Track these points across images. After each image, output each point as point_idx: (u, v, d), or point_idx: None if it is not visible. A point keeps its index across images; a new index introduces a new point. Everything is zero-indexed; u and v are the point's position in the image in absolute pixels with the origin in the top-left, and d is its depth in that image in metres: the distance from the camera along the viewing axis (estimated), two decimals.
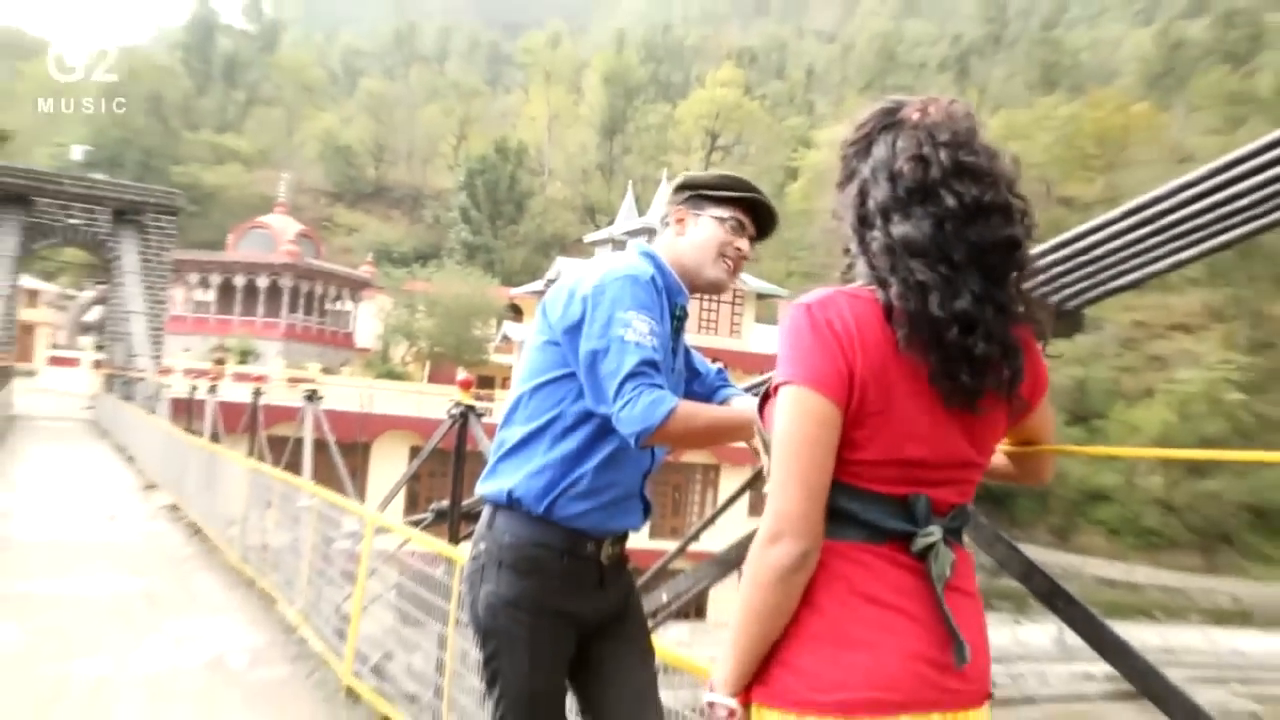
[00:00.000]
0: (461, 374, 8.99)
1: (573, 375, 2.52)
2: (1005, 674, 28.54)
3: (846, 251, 1.87)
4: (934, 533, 1.71)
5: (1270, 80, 65.92)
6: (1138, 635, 32.50)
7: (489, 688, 2.52)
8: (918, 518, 1.73)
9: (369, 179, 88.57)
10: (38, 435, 25.82)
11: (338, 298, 55.86)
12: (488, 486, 2.57)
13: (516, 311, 53.42)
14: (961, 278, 1.70)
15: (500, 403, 40.71)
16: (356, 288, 56.50)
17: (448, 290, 51.10)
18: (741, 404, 2.76)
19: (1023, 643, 30.52)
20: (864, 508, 1.73)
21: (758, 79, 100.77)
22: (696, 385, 2.85)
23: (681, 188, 2.73)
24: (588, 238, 51.39)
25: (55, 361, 48.35)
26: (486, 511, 2.59)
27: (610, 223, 52.34)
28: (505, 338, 50.32)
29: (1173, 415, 44.98)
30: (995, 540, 4.37)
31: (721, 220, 2.64)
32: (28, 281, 45.00)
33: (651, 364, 2.33)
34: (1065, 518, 47.85)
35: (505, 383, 49.84)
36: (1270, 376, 50.81)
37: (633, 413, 2.28)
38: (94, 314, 52.40)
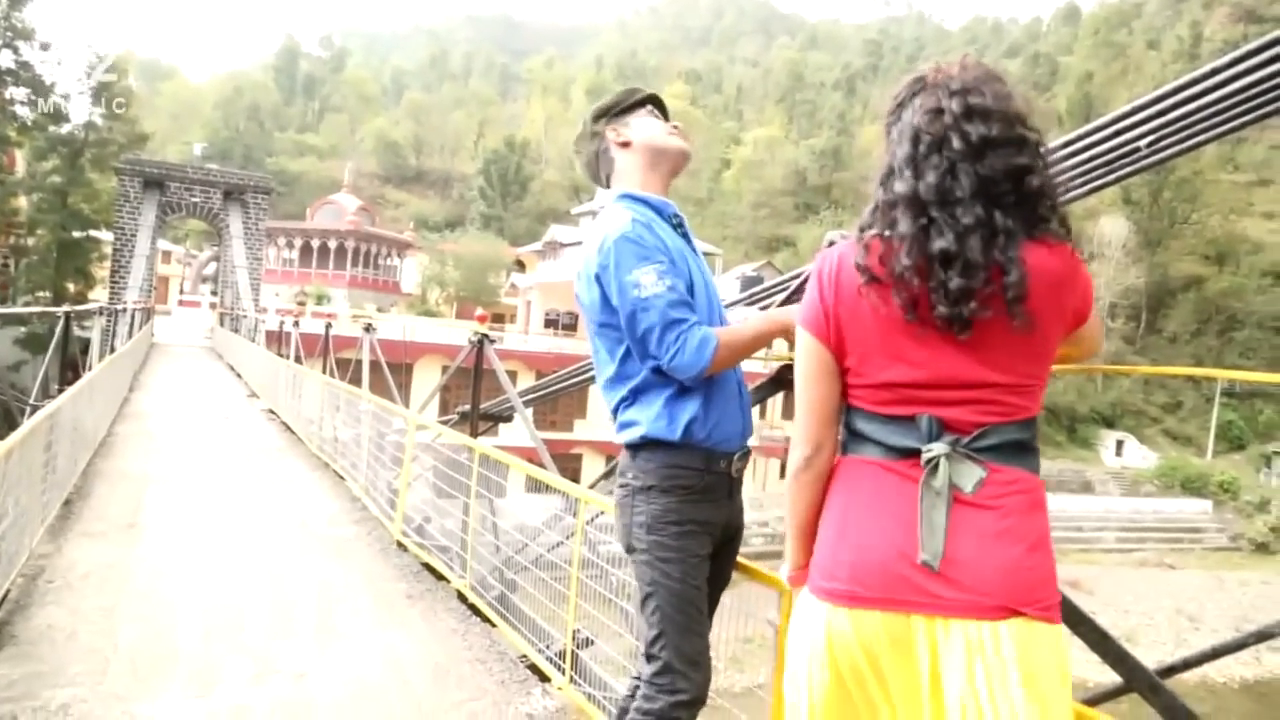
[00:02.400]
0: (479, 311, 9.05)
1: None
2: None
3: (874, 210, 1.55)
4: (936, 449, 1.46)
5: (1064, 104, 66.33)
6: None
7: (645, 601, 2.11)
8: (924, 436, 1.48)
9: (411, 166, 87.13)
10: (172, 357, 25.62)
11: (388, 256, 55.17)
12: (623, 436, 2.16)
13: (520, 265, 53.19)
14: (950, 217, 1.44)
15: (510, 333, 40.68)
16: (402, 248, 55.82)
17: (469, 250, 50.92)
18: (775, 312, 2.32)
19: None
20: (875, 428, 1.54)
21: (701, 93, 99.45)
22: None
23: (597, 119, 2.31)
24: (574, 210, 51.36)
25: (183, 303, 47.61)
26: (625, 455, 2.19)
27: (591, 199, 52.27)
28: (513, 285, 50.36)
29: None
30: None
31: (644, 115, 2.29)
32: (163, 244, 44.31)
33: (677, 304, 1.99)
34: None
35: (513, 318, 49.73)
36: None
37: (683, 359, 1.98)
38: (210, 268, 51.75)
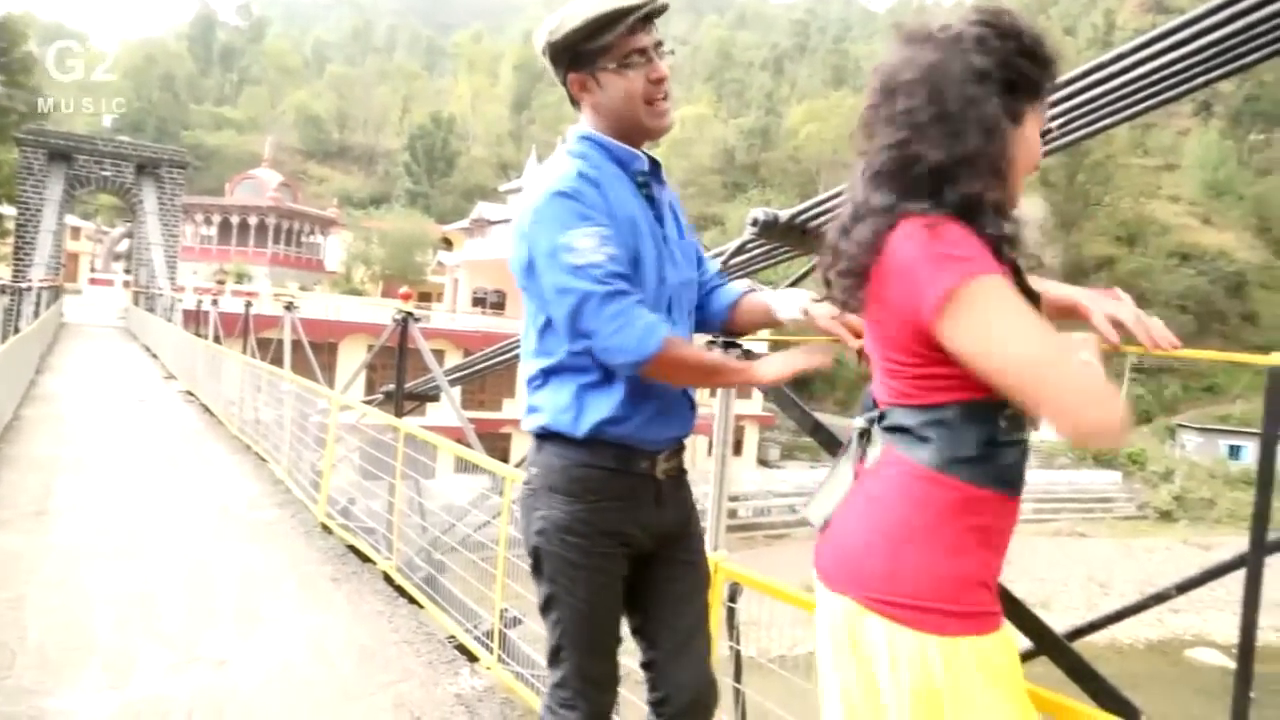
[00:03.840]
0: (403, 289, 8.90)
1: None
2: (805, 503, 29.43)
3: None
4: (858, 423, 1.43)
5: None
6: None
7: (545, 612, 1.86)
8: (862, 408, 1.45)
9: (334, 141, 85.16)
10: (83, 337, 24.69)
11: (311, 233, 53.93)
12: (529, 422, 1.84)
13: (448, 243, 52.49)
14: (847, 202, 1.39)
15: (437, 311, 40.19)
16: (325, 225, 54.58)
17: (395, 227, 50.23)
18: (782, 303, 1.88)
19: (816, 480, 31.48)
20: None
21: None
22: (698, 275, 1.98)
23: (555, 57, 1.74)
24: (502, 187, 51.18)
25: (94, 282, 45.83)
26: (531, 445, 1.87)
27: (519, 176, 51.90)
28: (439, 263, 49.74)
29: None
30: (791, 405, 4.62)
31: (620, 69, 1.70)
32: (72, 220, 42.52)
33: (617, 275, 1.63)
34: (847, 392, 49.36)
35: (440, 296, 49.10)
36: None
37: (622, 340, 1.61)
38: (123, 245, 49.80)
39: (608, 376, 1.74)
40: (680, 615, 1.90)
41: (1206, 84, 1.90)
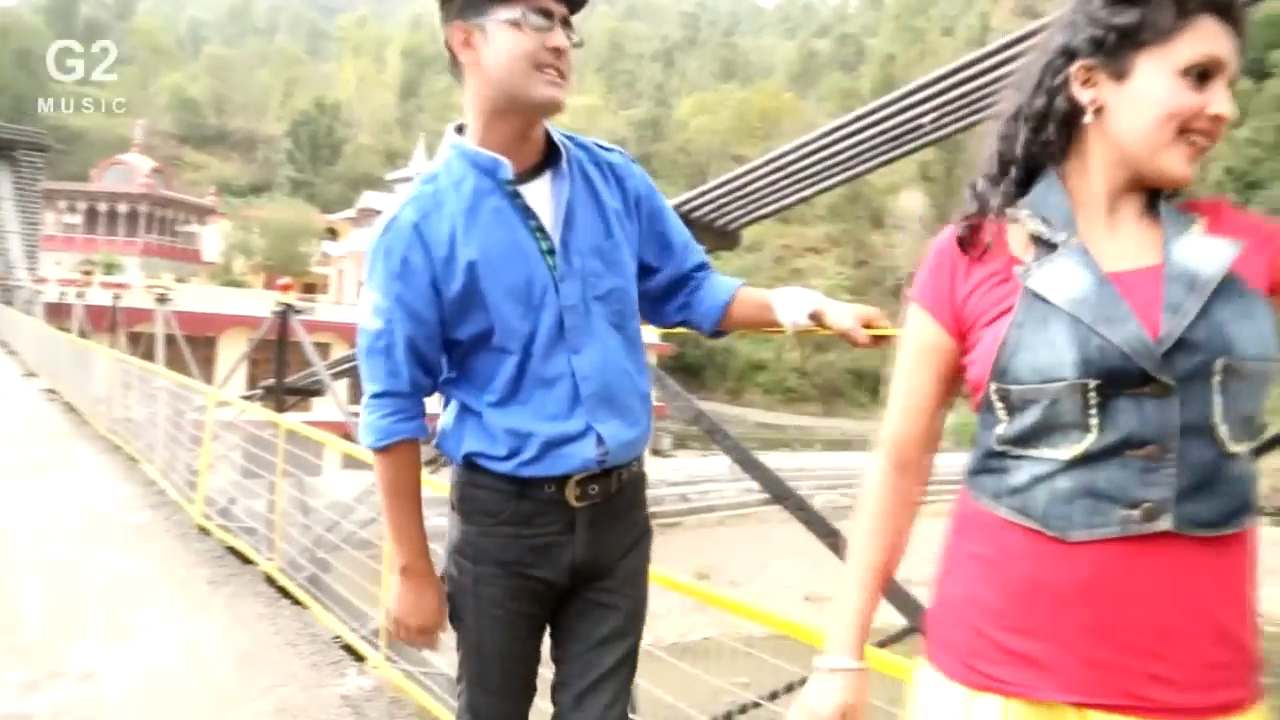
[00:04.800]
0: (282, 280, 8.56)
1: None
2: (695, 491, 29.91)
3: None
4: None
5: (869, 84, 69.90)
6: (783, 460, 34.80)
7: (451, 621, 1.66)
8: None
9: (212, 126, 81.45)
10: None
11: (187, 222, 51.58)
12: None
13: (333, 233, 51.12)
14: None
15: (323, 303, 39.03)
16: (202, 213, 52.29)
17: (277, 216, 48.62)
18: (786, 304, 1.68)
19: (706, 469, 32.01)
20: None
21: None
22: (668, 267, 1.72)
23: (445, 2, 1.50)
24: (389, 176, 50.23)
25: None
26: None
27: (407, 165, 51.07)
28: (324, 253, 48.52)
29: None
30: (676, 396, 4.66)
31: (514, 22, 1.44)
32: None
33: (383, 351, 1.50)
34: (736, 382, 50.24)
35: (325, 288, 47.79)
36: (867, 283, 54.50)
37: (362, 423, 1.54)
38: None
39: (507, 393, 1.52)
40: (591, 665, 1.62)
41: None
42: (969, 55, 1.82)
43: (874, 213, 58.92)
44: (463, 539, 1.60)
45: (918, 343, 1.19)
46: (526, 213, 1.53)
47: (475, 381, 1.55)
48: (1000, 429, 1.09)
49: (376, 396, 1.53)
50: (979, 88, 1.80)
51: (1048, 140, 1.13)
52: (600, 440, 1.54)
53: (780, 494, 2.96)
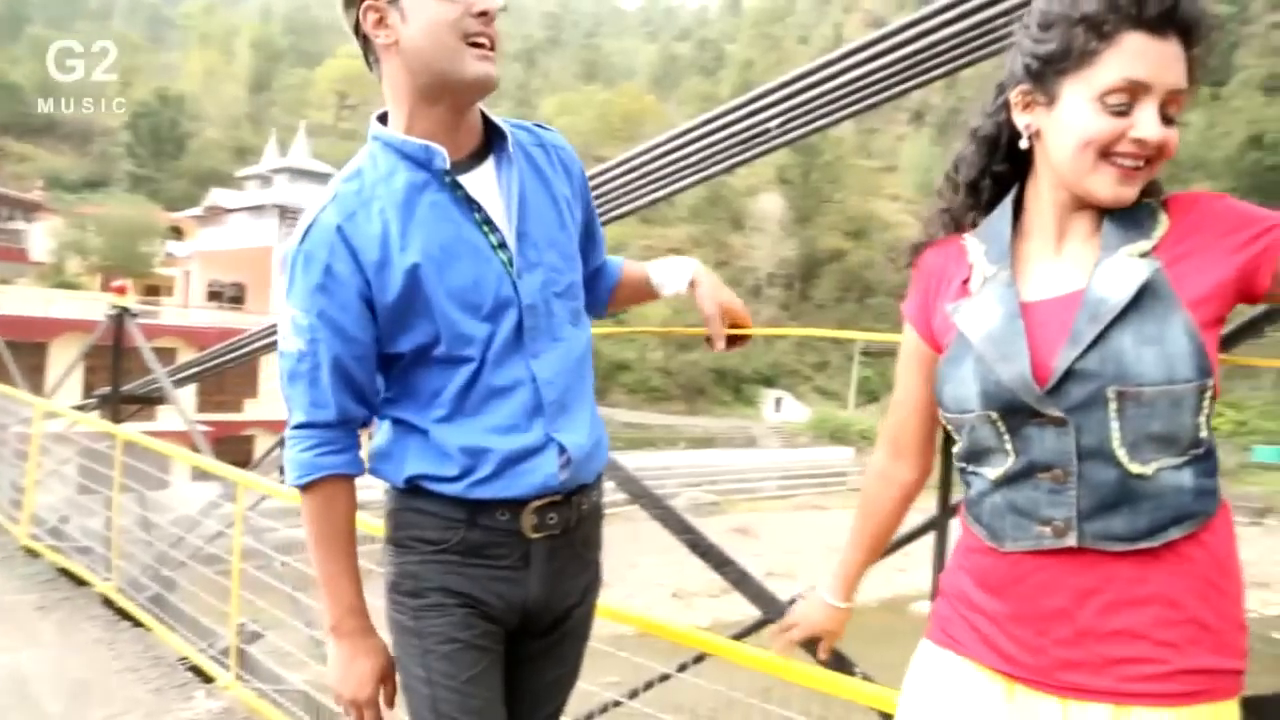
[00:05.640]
0: (117, 282, 8.00)
1: None
2: None
3: None
4: None
5: (728, 88, 71.64)
6: (650, 459, 35.16)
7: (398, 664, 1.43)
8: None
9: (39, 115, 75.79)
10: None
11: (10, 218, 47.85)
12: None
13: (178, 232, 48.46)
14: None
15: (168, 306, 37.02)
16: (29, 209, 48.53)
17: (116, 214, 45.51)
18: (665, 274, 1.69)
19: None
20: None
21: None
22: (591, 261, 1.62)
23: None
24: (239, 173, 48.14)
25: None
26: None
27: (258, 161, 49.04)
28: (169, 254, 46.03)
29: (669, 309, 48.15)
30: None
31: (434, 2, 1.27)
32: None
33: (306, 375, 1.33)
34: (601, 382, 50.29)
35: (170, 290, 45.34)
36: (728, 283, 54.72)
37: (286, 458, 1.37)
38: None
39: (438, 418, 1.37)
40: (532, 715, 1.49)
41: (910, 90, 2.09)
42: (814, 62, 1.89)
43: (734, 214, 60.30)
44: (400, 572, 1.40)
45: (906, 348, 1.29)
46: (470, 205, 1.37)
47: (418, 398, 1.38)
48: (955, 448, 1.20)
49: (299, 427, 1.36)
50: (821, 95, 1.88)
51: (1001, 161, 1.19)
52: (563, 451, 1.39)
53: (636, 493, 2.97)
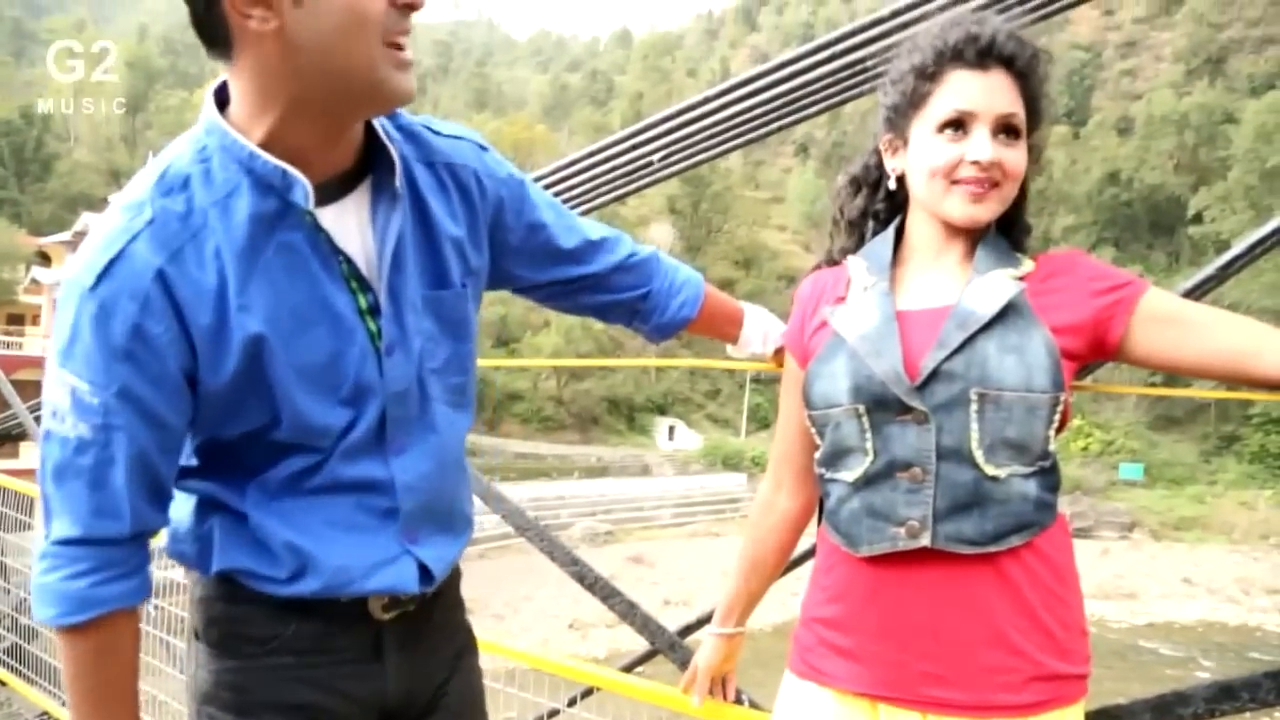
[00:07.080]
0: None
1: None
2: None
3: None
4: None
5: (619, 119, 72.62)
6: (542, 490, 34.84)
7: None
8: None
9: None
10: None
11: None
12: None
13: (45, 258, 45.92)
14: None
15: (32, 336, 34.92)
16: None
17: None
18: (754, 330, 1.48)
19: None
20: None
21: None
22: (564, 274, 1.32)
23: None
24: (112, 197, 45.55)
25: None
26: None
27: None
28: (35, 281, 43.54)
29: (561, 339, 47.96)
30: None
31: None
32: None
33: (88, 474, 0.97)
34: (493, 413, 49.85)
35: (35, 320, 42.84)
36: None
37: (38, 585, 1.00)
38: None
39: (260, 501, 1.07)
40: None
41: (794, 123, 2.16)
42: (702, 94, 1.95)
43: None
44: (215, 681, 1.10)
45: (787, 377, 1.34)
46: (332, 251, 1.03)
47: (234, 472, 1.08)
48: (816, 454, 1.24)
49: (67, 544, 0.99)
50: (704, 129, 1.94)
51: (880, 201, 1.31)
52: (421, 565, 1.13)
53: (522, 525, 2.93)
